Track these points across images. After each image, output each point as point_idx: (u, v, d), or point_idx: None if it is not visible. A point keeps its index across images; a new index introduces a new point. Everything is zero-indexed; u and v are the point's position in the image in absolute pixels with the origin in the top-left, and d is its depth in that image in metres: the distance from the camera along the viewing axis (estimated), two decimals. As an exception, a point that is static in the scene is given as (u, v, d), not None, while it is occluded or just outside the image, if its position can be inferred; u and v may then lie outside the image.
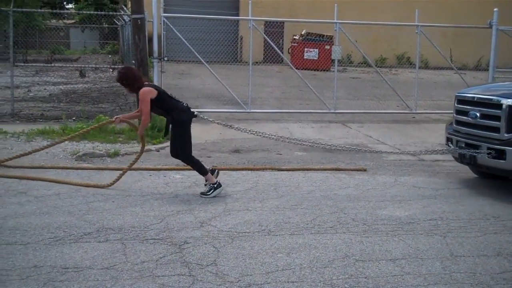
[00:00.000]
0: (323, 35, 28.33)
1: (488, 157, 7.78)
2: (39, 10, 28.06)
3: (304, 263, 5.37)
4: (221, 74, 14.49)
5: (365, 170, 9.42)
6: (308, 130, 13.08)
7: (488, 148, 7.80)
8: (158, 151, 10.39)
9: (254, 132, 8.52)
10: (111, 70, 25.66)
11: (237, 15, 29.03)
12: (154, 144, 10.75)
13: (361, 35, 17.54)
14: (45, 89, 18.88)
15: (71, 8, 53.75)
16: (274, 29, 27.36)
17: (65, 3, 54.81)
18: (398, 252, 5.75)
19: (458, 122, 8.52)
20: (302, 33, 28.88)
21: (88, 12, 34.68)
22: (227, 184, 8.21)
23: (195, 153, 10.26)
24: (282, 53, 18.05)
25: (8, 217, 6.40)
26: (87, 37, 45.40)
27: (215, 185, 7.56)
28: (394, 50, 31.82)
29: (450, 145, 8.58)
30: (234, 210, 6.96)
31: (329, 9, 19.67)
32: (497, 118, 7.78)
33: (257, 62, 15.27)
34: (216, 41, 22.11)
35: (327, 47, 27.32)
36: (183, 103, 7.64)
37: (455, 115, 8.61)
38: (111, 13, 26.55)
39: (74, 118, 13.05)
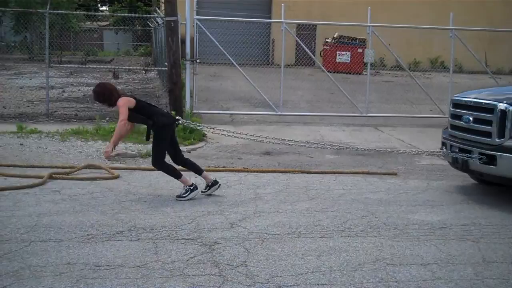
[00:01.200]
0: (356, 38, 28.18)
1: (479, 162, 7.59)
2: (74, 12, 28.54)
3: (334, 266, 5.35)
4: (252, 77, 14.53)
5: (395, 174, 9.34)
6: (340, 133, 13.03)
7: (480, 154, 7.60)
8: (190, 152, 10.46)
9: (285, 142, 8.52)
10: (143, 72, 25.93)
11: (269, 17, 29.07)
12: (185, 145, 10.82)
13: (394, 38, 17.36)
14: (79, 90, 19.16)
15: (105, 10, 54.45)
16: (306, 32, 27.26)
17: (99, 5, 55.57)
18: (430, 257, 5.69)
19: (453, 127, 8.33)
20: (335, 36, 28.77)
21: (122, 14, 35.07)
22: (258, 186, 8.24)
23: (225, 155, 10.37)
24: (314, 56, 18.00)
25: (42, 215, 6.52)
26: (121, 39, 45.91)
27: (192, 187, 7.45)
28: (428, 53, 31.45)
29: (444, 149, 8.43)
30: (265, 212, 6.97)
31: (361, 12, 19.58)
32: (489, 122, 7.57)
33: (288, 65, 15.28)
34: (248, 43, 22.15)
35: (360, 50, 27.15)
36: (164, 110, 7.67)
37: (450, 119, 8.44)
38: (144, 15, 26.84)
39: (107, 118, 13.22)
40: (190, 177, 7.74)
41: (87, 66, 24.84)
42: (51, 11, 15.22)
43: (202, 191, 7.63)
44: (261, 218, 6.74)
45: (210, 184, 7.68)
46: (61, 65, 24.10)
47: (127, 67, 25.53)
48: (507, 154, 7.30)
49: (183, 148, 10.56)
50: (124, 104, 7.24)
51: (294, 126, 13.46)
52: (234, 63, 13.98)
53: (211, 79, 21.04)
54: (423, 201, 7.79)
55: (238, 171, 9.16)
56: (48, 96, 14.04)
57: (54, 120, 13.10)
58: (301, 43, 15.00)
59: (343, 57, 27.77)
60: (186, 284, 4.84)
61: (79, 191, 7.59)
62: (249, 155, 10.35)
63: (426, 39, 27.59)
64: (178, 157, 7.74)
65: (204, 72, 20.30)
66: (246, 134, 8.67)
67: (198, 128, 9.33)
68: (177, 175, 7.53)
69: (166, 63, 13.64)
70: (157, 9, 26.66)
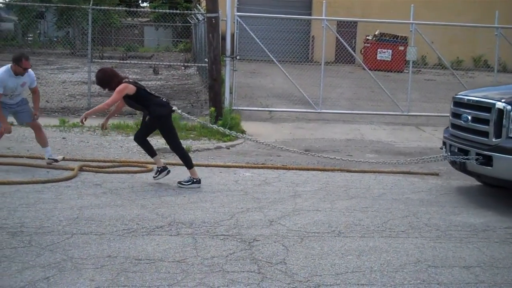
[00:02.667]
0: (397, 36, 27.85)
1: (476, 163, 7.35)
2: (116, 8, 28.90)
3: (374, 266, 5.28)
4: (292, 74, 14.47)
5: (437, 174, 9.18)
6: (380, 132, 12.88)
7: (477, 154, 7.36)
8: (229, 148, 10.49)
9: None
10: (183, 68, 26.10)
11: (310, 14, 28.90)
12: (224, 141, 10.84)
13: (436, 36, 17.11)
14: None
15: (146, 6, 54.99)
16: (346, 29, 27.07)
17: (140, 1, 56.18)
18: (473, 259, 5.57)
19: (453, 126, 8.11)
20: (376, 33, 28.48)
21: (163, 10, 35.33)
22: (297, 183, 8.19)
23: (264, 152, 10.34)
24: (355, 53, 17.83)
25: (84, 208, 6.60)
26: (161, 35, 46.31)
27: (195, 180, 7.75)
28: (471, 52, 30.89)
29: (444, 149, 8.20)
30: (304, 210, 6.92)
31: (402, 9, 19.33)
32: (486, 122, 7.33)
33: (328, 62, 15.16)
34: (288, 40, 22.09)
35: (401, 48, 26.85)
36: (162, 98, 7.85)
37: (450, 117, 8.21)
38: (185, 11, 27.00)
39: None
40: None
41: (127, 61, 25.12)
42: (94, 7, 15.42)
43: (153, 176, 7.92)
44: (300, 216, 6.70)
45: (160, 169, 7.90)
46: (102, 60, 24.39)
47: (167, 63, 25.75)
48: (504, 155, 7.05)
49: (222, 144, 10.62)
50: (120, 90, 7.48)
51: (334, 124, 13.36)
52: (274, 60, 13.95)
53: (250, 76, 21.06)
54: (465, 202, 7.63)
55: (277, 168, 9.14)
56: (90, 90, 14.25)
57: (96, 115, 13.24)
58: (342, 41, 14.87)
59: (384, 54, 27.47)
60: (225, 280, 4.84)
61: (119, 185, 7.67)
62: (288, 152, 10.30)
63: (470, 37, 27.09)
64: (143, 138, 7.97)
65: (243, 68, 20.32)
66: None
67: (234, 135, 9.28)
68: (189, 165, 7.82)
69: (206, 60, 13.69)
70: (197, 5, 26.76)
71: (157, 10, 39.53)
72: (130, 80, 7.73)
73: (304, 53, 23.22)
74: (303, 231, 6.16)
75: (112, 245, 5.50)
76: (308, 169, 9.14)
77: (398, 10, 26.09)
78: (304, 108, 14.49)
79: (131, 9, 37.49)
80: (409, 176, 9.01)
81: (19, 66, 8.05)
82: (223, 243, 5.69)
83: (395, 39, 28.02)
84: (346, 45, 14.75)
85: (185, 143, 10.25)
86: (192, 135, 11.19)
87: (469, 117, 7.59)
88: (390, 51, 27.55)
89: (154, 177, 7.95)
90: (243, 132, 11.63)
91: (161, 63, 25.59)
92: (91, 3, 14.90)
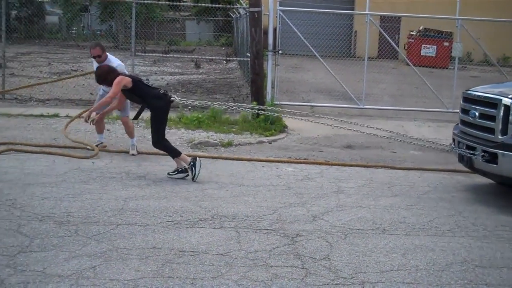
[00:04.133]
0: (442, 32, 27.37)
1: (481, 160, 7.13)
2: (159, 2, 29.13)
3: (420, 265, 5.19)
4: (334, 69, 14.34)
5: (484, 173, 8.98)
6: (424, 129, 12.67)
7: (482, 151, 7.15)
8: (271, 143, 10.46)
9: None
10: (224, 62, 26.17)
11: (352, 9, 28.65)
12: (266, 136, 10.83)
13: (482, 32, 16.71)
14: (162, 78, 19.56)
15: (188, 0, 55.30)
16: (390, 24, 26.59)
17: (182, -5, 56.48)
18: (522, 261, 5.43)
19: (462, 122, 7.90)
20: (420, 28, 28.04)
21: (204, 4, 35.49)
22: (340, 179, 8.12)
23: (306, 147, 10.29)
24: (398, 48, 17.55)
25: (128, 199, 6.67)
26: (202, 29, 46.51)
27: (180, 169, 7.75)
28: (518, 48, 30.17)
29: (453, 146, 7.98)
30: (347, 206, 6.86)
31: (447, 4, 18.95)
32: (492, 118, 7.11)
33: (370, 58, 14.97)
34: (330, 35, 21.94)
35: (446, 44, 26.38)
36: (160, 90, 7.89)
37: (460, 113, 7.99)
38: (227, 6, 27.04)
39: (189, 108, 13.39)
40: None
41: (170, 55, 25.31)
42: (138, 1, 15.54)
43: (168, 173, 7.84)
44: (344, 212, 6.64)
45: (180, 170, 7.79)
46: (145, 54, 24.67)
47: (209, 57, 25.86)
48: (509, 153, 6.85)
49: (263, 139, 10.61)
50: (118, 82, 7.69)
51: (377, 120, 13.17)
52: (317, 54, 13.85)
53: (292, 71, 20.98)
54: (513, 202, 7.45)
55: (320, 163, 9.07)
56: (133, 83, 14.35)
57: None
58: (386, 36, 14.67)
59: (428, 50, 27.04)
60: (269, 274, 4.82)
61: (163, 177, 7.72)
62: (330, 148, 10.23)
63: (517, 33, 26.42)
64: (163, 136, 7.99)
65: (285, 63, 20.27)
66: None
67: (279, 115, 9.26)
68: (176, 153, 7.81)
69: (248, 54, 13.67)
70: (239, -1, 26.76)
71: (199, 4, 39.69)
72: (127, 74, 8.06)
73: (346, 48, 23.03)
74: (346, 228, 6.10)
75: (156, 236, 5.54)
76: (351, 165, 9.05)
77: (442, 5, 25.59)
78: (346, 103, 14.36)
79: (174, 3, 37.73)
80: (455, 174, 8.84)
81: (91, 55, 8.70)
82: (266, 237, 5.68)
83: (439, 34, 27.55)
84: (390, 40, 14.55)
85: (226, 137, 10.30)
86: (234, 129, 11.20)
87: (477, 113, 7.44)
88: (435, 47, 27.11)
89: (171, 174, 7.85)
90: (285, 127, 11.60)
91: (202, 57, 25.69)
92: (135, -4, 15.03)
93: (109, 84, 7.86)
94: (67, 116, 11.51)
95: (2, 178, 7.19)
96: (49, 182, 7.16)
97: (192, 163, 7.68)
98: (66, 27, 39.42)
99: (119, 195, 6.78)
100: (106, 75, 7.89)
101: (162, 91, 7.88)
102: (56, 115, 11.57)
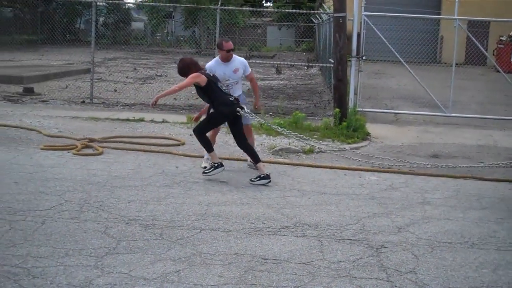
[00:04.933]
0: (534, 37, 26.19)
1: None
2: (241, 8, 29.47)
3: (513, 283, 4.94)
4: (418, 75, 13.96)
5: None
6: (515, 139, 12.12)
7: None
8: (353, 150, 10.28)
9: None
10: (306, 68, 26.09)
11: (439, 14, 27.87)
12: (349, 143, 10.67)
13: None
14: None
15: (269, 6, 55.60)
16: (477, 29, 25.77)
17: (264, 1, 56.87)
18: None
19: None
20: (510, 34, 26.94)
21: (286, 10, 35.54)
22: (425, 190, 7.88)
23: (390, 155, 10.06)
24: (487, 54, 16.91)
25: (211, 204, 6.73)
26: (283, 34, 46.60)
27: (216, 164, 7.82)
28: None
29: None
30: (434, 218, 6.63)
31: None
32: None
33: (457, 64, 14.47)
34: (415, 40, 21.42)
35: (539, 50, 25.20)
36: (231, 97, 7.81)
37: None
38: (309, 11, 26.96)
39: (271, 113, 13.43)
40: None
41: (251, 61, 25.37)
42: (222, 7, 15.75)
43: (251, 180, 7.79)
44: (430, 224, 6.42)
45: (262, 176, 7.76)
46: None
47: (290, 63, 25.86)
48: None
49: (346, 146, 10.45)
50: (193, 76, 7.69)
51: (464, 129, 12.73)
52: (402, 60, 13.54)
53: (375, 77, 20.66)
54: None
55: (404, 173, 8.84)
56: (216, 89, 14.52)
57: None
58: (476, 41, 14.15)
59: (520, 56, 25.88)
60: (353, 286, 4.72)
61: (245, 183, 7.74)
62: (415, 157, 9.94)
63: None
64: (241, 143, 8.03)
65: (368, 69, 19.98)
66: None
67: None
68: (209, 149, 7.92)
69: (330, 59, 13.55)
70: (322, 5, 26.66)
71: (280, 10, 39.83)
72: (206, 72, 7.94)
73: (431, 54, 22.39)
74: (433, 240, 5.89)
75: (239, 242, 5.55)
76: (437, 175, 8.76)
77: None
78: (431, 111, 13.96)
79: (256, 9, 38.04)
80: (549, 187, 8.39)
81: (222, 50, 8.30)
82: (350, 247, 5.57)
83: (531, 40, 26.37)
84: (480, 46, 14.04)
85: (308, 144, 10.21)
86: (315, 136, 11.10)
87: None
88: (527, 53, 25.93)
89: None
90: (367, 134, 11.40)
91: (283, 62, 25.70)
92: (219, 3, 15.24)
93: (186, 76, 7.88)
94: (151, 120, 11.81)
95: (91, 180, 7.43)
96: (135, 185, 7.33)
97: (219, 164, 7.84)
98: (151, 33, 40.58)
99: (202, 200, 6.85)
100: (186, 68, 7.88)
101: (232, 99, 7.89)
102: (141, 120, 11.88)
